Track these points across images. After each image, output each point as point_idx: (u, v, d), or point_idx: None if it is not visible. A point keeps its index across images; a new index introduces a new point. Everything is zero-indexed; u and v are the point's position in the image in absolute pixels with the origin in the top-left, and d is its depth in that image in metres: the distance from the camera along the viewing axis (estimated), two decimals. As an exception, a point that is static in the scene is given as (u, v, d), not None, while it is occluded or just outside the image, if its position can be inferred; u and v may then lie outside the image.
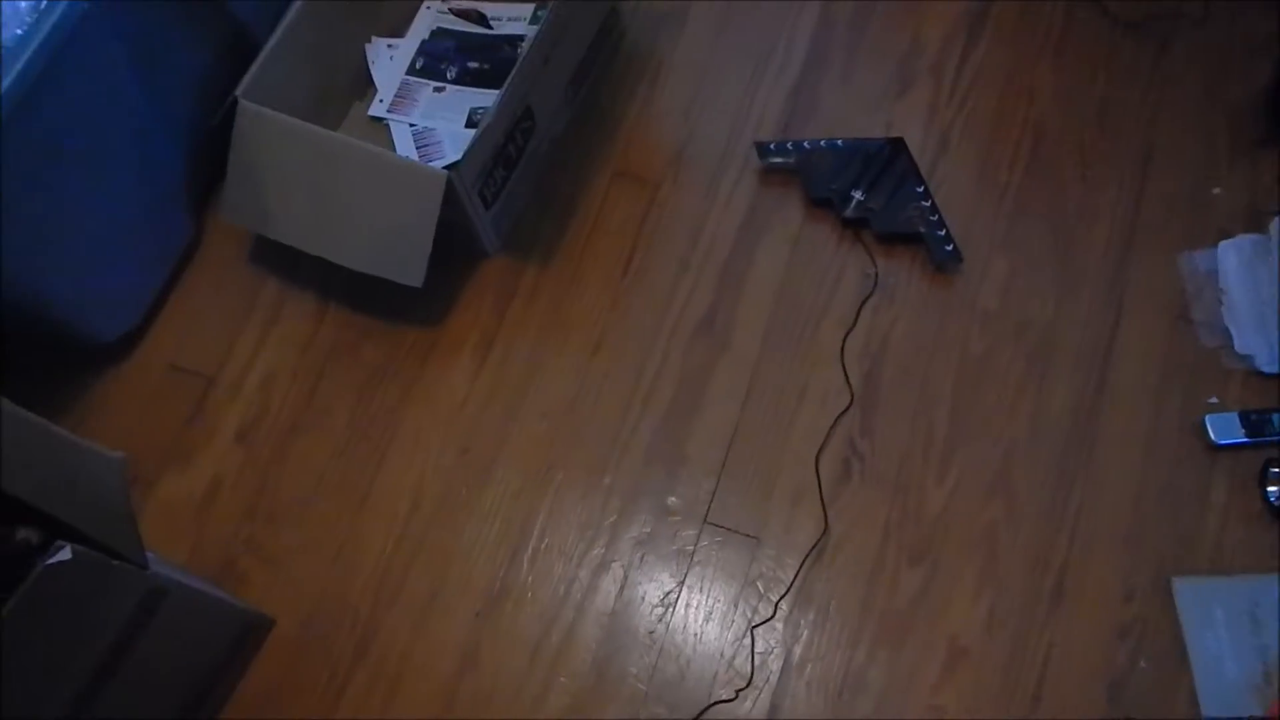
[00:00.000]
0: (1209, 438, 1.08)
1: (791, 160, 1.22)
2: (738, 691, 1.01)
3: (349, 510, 1.12)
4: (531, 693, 1.02)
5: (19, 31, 0.94)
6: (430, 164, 1.23)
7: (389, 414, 1.16)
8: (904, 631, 1.03)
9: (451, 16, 1.34)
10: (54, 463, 0.84)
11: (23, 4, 0.97)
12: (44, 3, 0.97)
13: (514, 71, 1.06)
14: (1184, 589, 1.03)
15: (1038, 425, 1.11)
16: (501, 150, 1.13)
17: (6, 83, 0.93)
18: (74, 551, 0.75)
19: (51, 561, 0.74)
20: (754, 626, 1.03)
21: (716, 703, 1.00)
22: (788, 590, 1.05)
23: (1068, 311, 1.16)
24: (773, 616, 1.04)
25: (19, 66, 0.93)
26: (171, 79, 1.16)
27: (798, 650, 1.02)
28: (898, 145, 1.21)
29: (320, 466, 1.14)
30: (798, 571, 1.05)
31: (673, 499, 1.09)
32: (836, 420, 1.10)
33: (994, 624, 1.03)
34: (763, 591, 1.05)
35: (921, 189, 1.19)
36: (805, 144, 1.23)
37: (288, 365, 1.19)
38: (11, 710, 0.80)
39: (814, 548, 1.06)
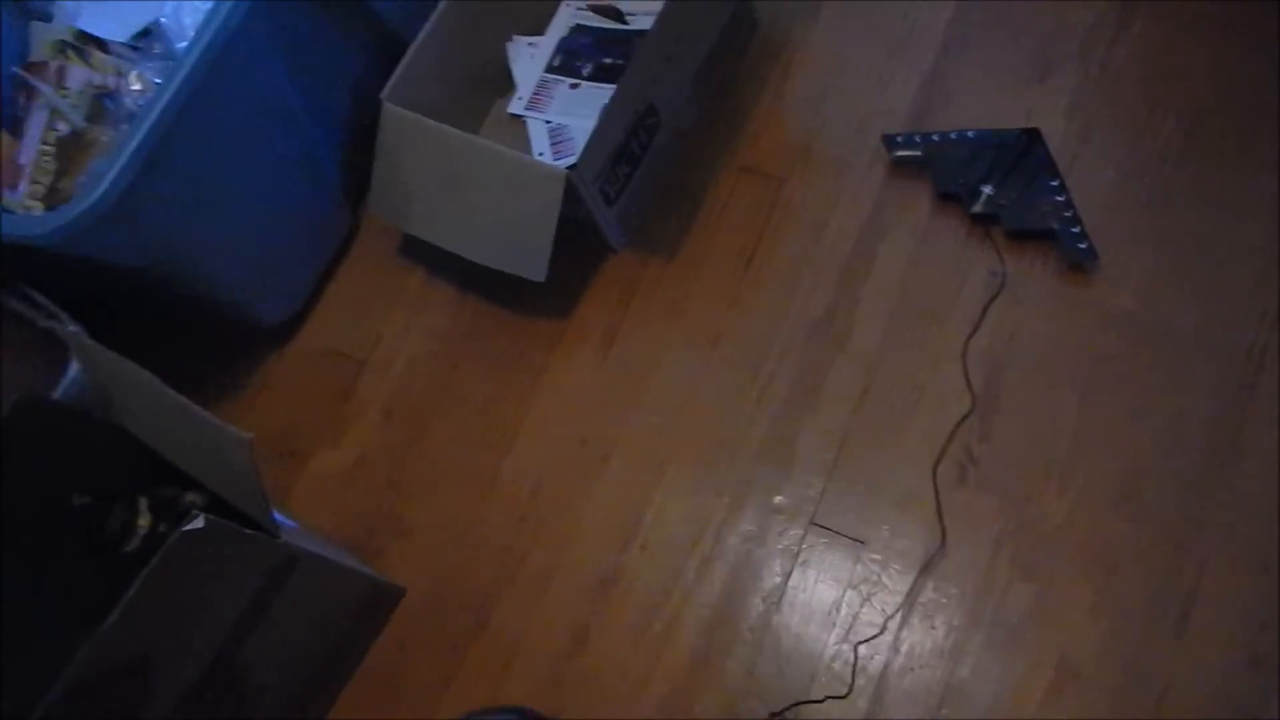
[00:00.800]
0: (1372, 458, 0.99)
1: (920, 153, 1.19)
2: (835, 697, 1.01)
3: (478, 490, 1.18)
4: (634, 677, 1.06)
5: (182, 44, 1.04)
6: (561, 160, 1.28)
7: (517, 400, 1.21)
8: (1012, 647, 1.00)
9: (589, 13, 1.37)
10: (197, 438, 0.94)
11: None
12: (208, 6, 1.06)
13: (627, 71, 1.09)
14: (1331, 621, 0.96)
15: (1173, 438, 1.05)
16: (623, 148, 1.16)
17: (179, 85, 1.03)
18: (206, 520, 0.84)
19: (187, 529, 0.83)
20: (857, 642, 1.03)
21: (807, 701, 1.01)
22: (896, 601, 1.04)
23: (1216, 315, 1.08)
24: (877, 627, 1.03)
25: (186, 70, 1.03)
26: (327, 81, 1.25)
27: (898, 660, 1.01)
28: (1033, 136, 1.16)
29: (454, 448, 1.21)
30: (911, 583, 1.04)
31: (780, 498, 1.10)
32: (957, 427, 1.08)
33: (1109, 648, 0.99)
34: (866, 597, 1.04)
35: (1056, 183, 1.14)
36: (934, 136, 1.19)
37: (429, 351, 1.27)
38: (159, 659, 0.90)
39: (929, 561, 1.04)
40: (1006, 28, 1.25)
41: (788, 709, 1.00)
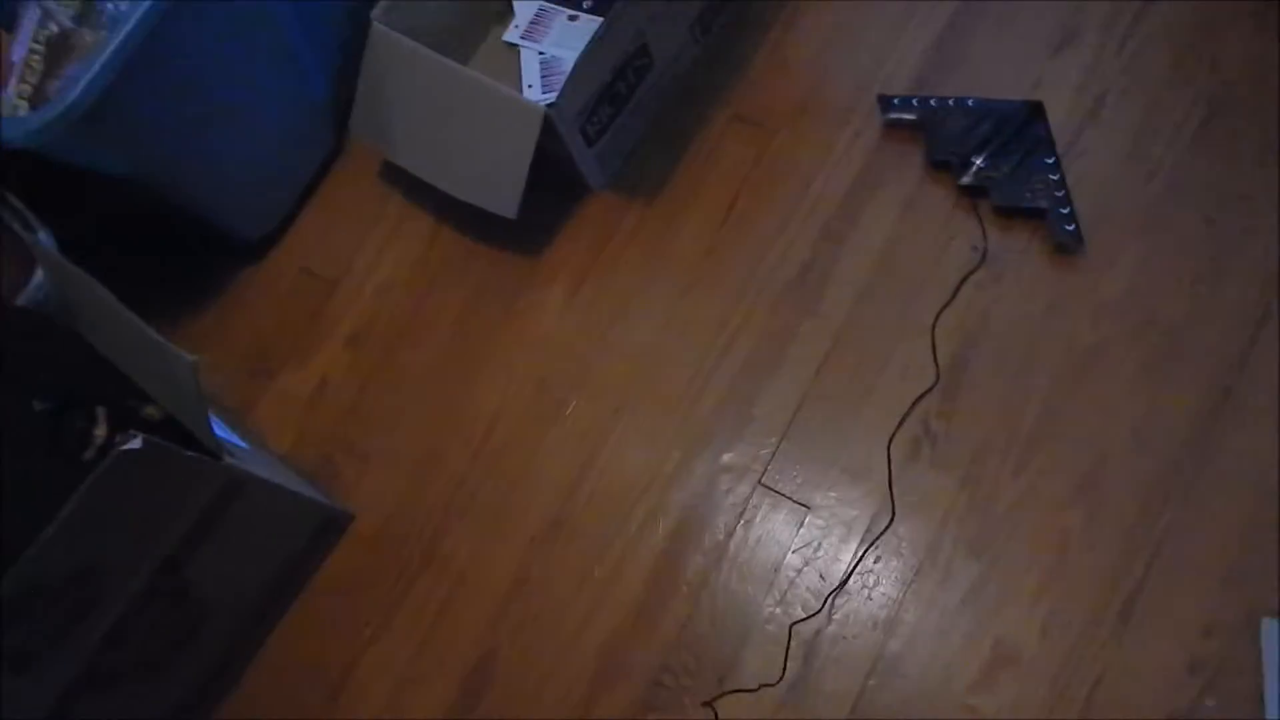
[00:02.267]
0: (1341, 472, 0.96)
1: (915, 117, 1.15)
2: (767, 684, 1.01)
3: (435, 423, 1.18)
4: (573, 622, 1.07)
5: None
6: (550, 95, 1.25)
7: (483, 337, 1.20)
8: (949, 625, 0.99)
9: (595, -57, 1.33)
10: (149, 356, 0.93)
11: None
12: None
13: (614, 9, 1.05)
14: (1273, 629, 0.94)
15: (1142, 433, 1.02)
16: (609, 88, 1.13)
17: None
18: (145, 441, 0.84)
19: (125, 448, 0.83)
20: (792, 623, 1.03)
21: (738, 690, 1.01)
22: (836, 570, 1.03)
23: (1203, 312, 1.05)
24: (813, 593, 1.03)
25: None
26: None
27: (830, 628, 1.01)
28: (1035, 109, 1.12)
29: (416, 378, 1.21)
30: (853, 552, 1.03)
31: (731, 455, 1.09)
32: (916, 401, 1.06)
33: (1049, 633, 0.98)
34: (806, 561, 1.04)
35: (1052, 160, 1.10)
36: (932, 101, 1.15)
37: (401, 278, 1.26)
38: (104, 569, 0.91)
39: (871, 532, 1.03)
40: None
41: (719, 696, 1.01)
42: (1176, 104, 1.13)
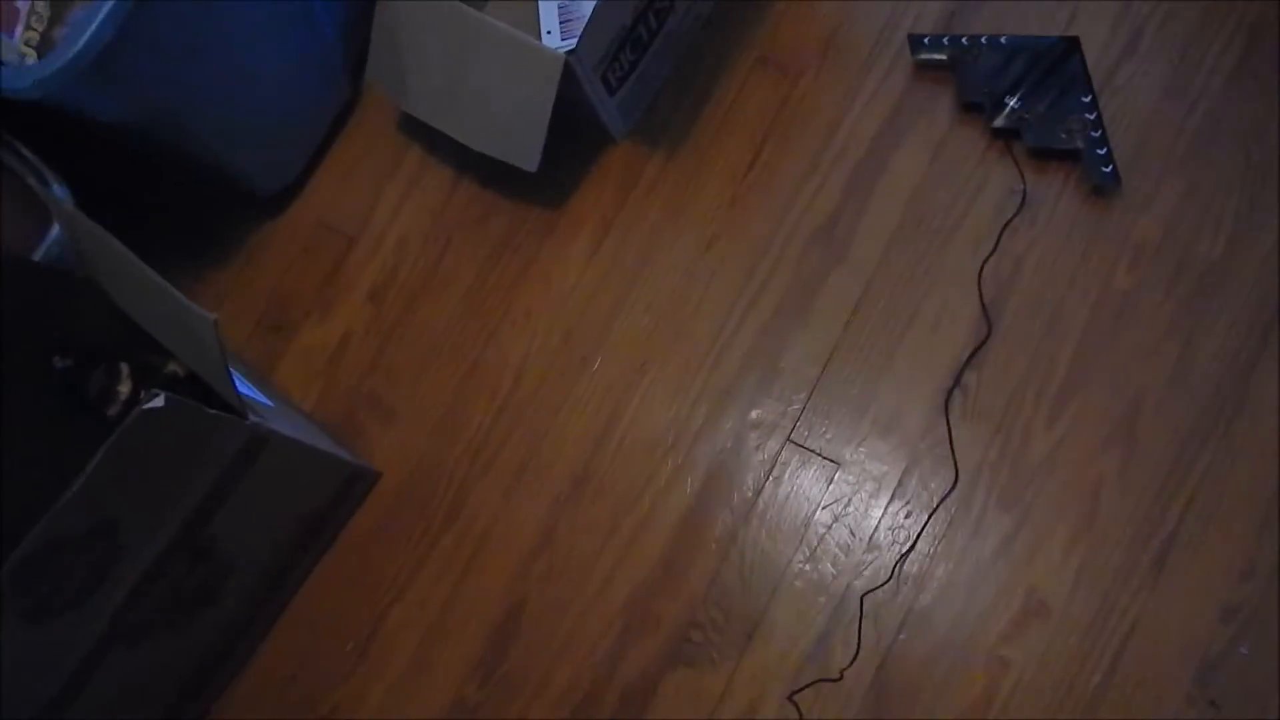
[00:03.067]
0: (1384, 416, 0.94)
1: (945, 57, 1.12)
2: (793, 615, 1.00)
3: (458, 377, 1.17)
4: (599, 577, 1.06)
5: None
6: (569, 42, 1.22)
7: (505, 290, 1.19)
8: (980, 578, 0.98)
9: (611, -119, 1.28)
10: (169, 314, 0.92)
11: None
12: None
13: (633, -48, 1.01)
14: (1313, 580, 0.93)
15: (1178, 377, 1.00)
16: (630, 32, 1.09)
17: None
18: (167, 399, 0.83)
19: (146, 407, 0.83)
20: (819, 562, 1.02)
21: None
22: (867, 525, 1.02)
23: (1242, 252, 1.02)
24: (843, 549, 1.02)
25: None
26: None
27: (859, 582, 1.00)
28: (1071, 45, 1.08)
29: (438, 332, 1.19)
30: (884, 507, 1.02)
31: (759, 411, 1.07)
32: (971, 356, 1.03)
33: (1081, 583, 0.97)
34: (836, 517, 1.03)
35: (1089, 98, 1.06)
36: (964, 39, 1.11)
37: (420, 231, 1.24)
38: (127, 527, 0.91)
39: (901, 485, 1.02)
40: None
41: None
42: (1216, 36, 1.09)
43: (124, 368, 1.07)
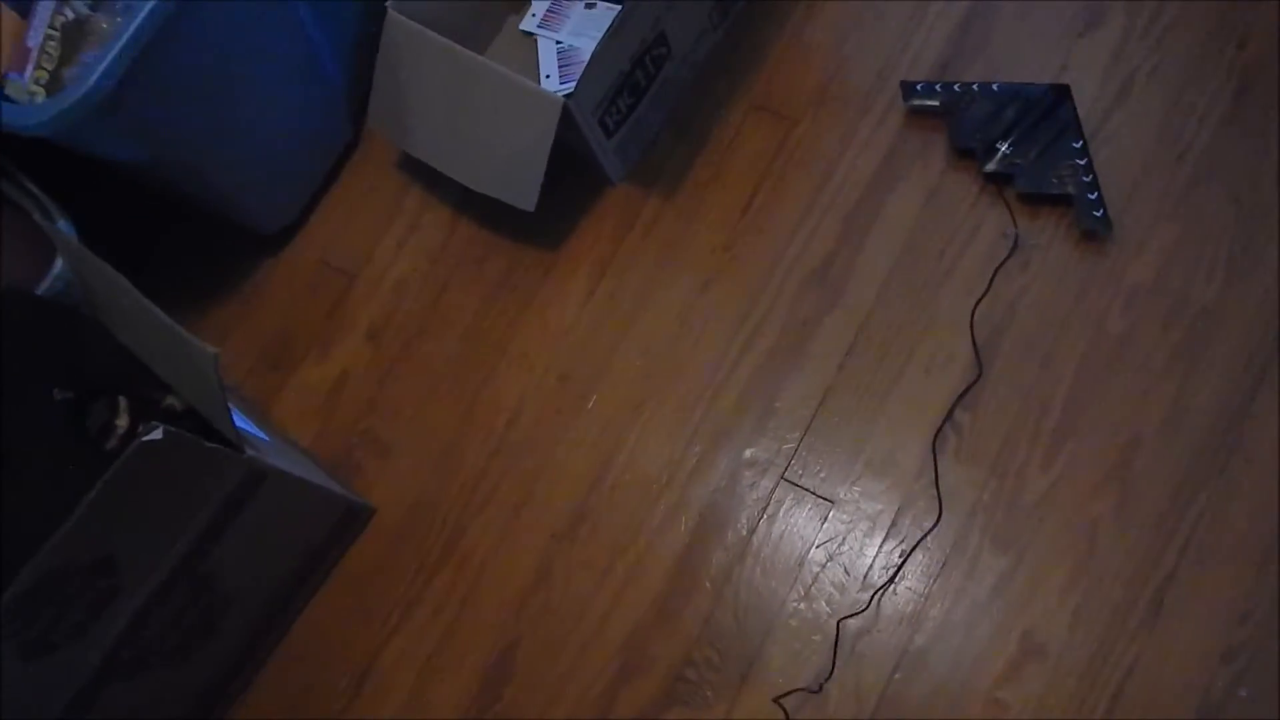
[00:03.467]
0: (1377, 459, 0.94)
1: (938, 103, 1.14)
2: (789, 654, 1.00)
3: (455, 416, 1.17)
4: (594, 616, 1.06)
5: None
6: (567, 85, 1.24)
7: (502, 329, 1.20)
8: (975, 620, 0.98)
9: (613, -69, 1.31)
10: (169, 348, 0.93)
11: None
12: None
13: (631, -1, 1.04)
14: (1309, 623, 0.92)
15: (1172, 420, 1.01)
16: (628, 77, 1.11)
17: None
18: (165, 432, 0.84)
19: (145, 439, 0.83)
20: (824, 603, 1.02)
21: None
22: (861, 564, 1.02)
23: (1236, 295, 1.03)
24: (838, 588, 1.01)
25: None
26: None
27: (855, 622, 1.00)
28: (1061, 93, 1.10)
29: (436, 371, 1.20)
30: (878, 546, 1.02)
31: (753, 450, 1.08)
32: (961, 396, 1.04)
33: (1078, 625, 0.96)
34: (830, 556, 1.03)
35: (1079, 144, 1.08)
36: (956, 86, 1.13)
37: (420, 271, 1.25)
38: (125, 560, 0.91)
39: (896, 525, 1.02)
40: (1051, -27, 1.18)
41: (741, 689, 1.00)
42: (1206, 84, 1.11)
43: (123, 401, 1.07)
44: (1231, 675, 0.93)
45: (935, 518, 1.01)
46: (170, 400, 1.09)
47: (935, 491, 1.02)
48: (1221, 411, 1.00)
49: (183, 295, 1.30)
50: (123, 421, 1.07)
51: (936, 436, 1.04)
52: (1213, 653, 0.94)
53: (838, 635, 1.00)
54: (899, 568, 1.01)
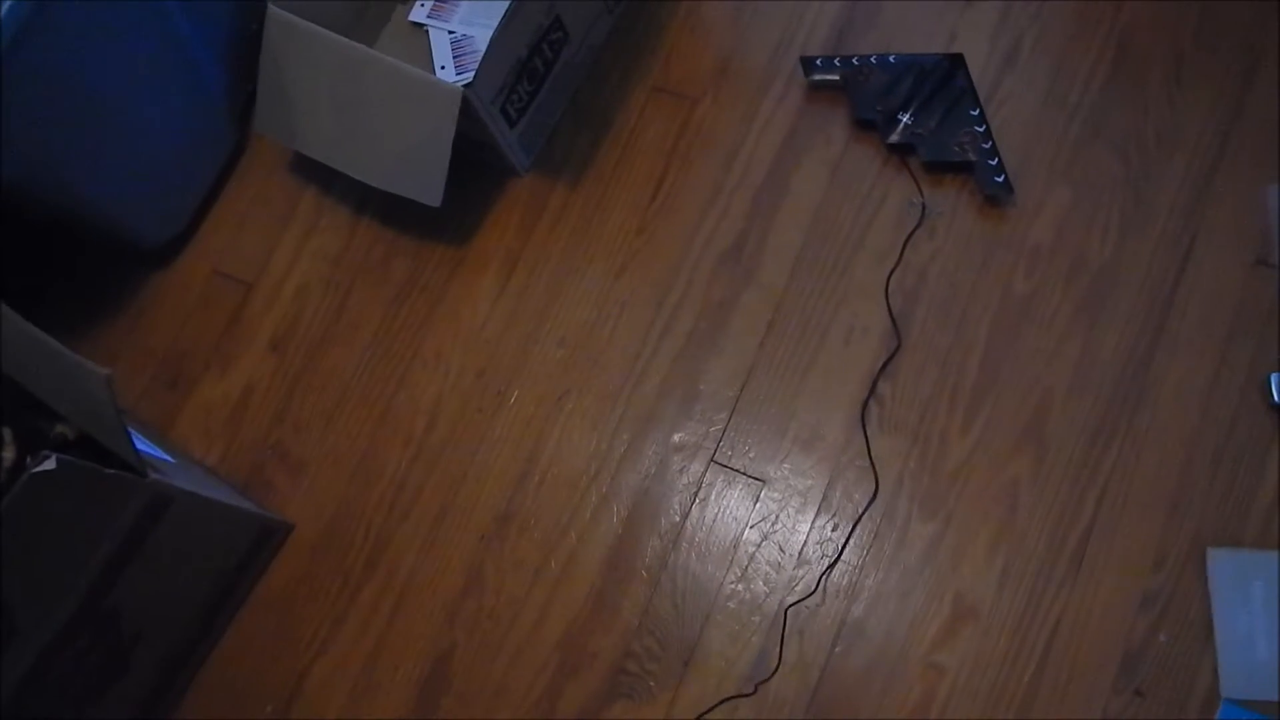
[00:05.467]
0: (1273, 398, 0.98)
1: (838, 77, 1.14)
2: (729, 637, 1.00)
3: (370, 424, 1.14)
4: (530, 616, 1.04)
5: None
6: (464, 76, 1.21)
7: (413, 331, 1.16)
8: (908, 586, 0.99)
9: (497, -84, 1.28)
10: (59, 372, 0.87)
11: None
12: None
13: (525, -18, 1.01)
14: (1221, 560, 0.96)
15: (1080, 374, 1.03)
16: (525, 64, 1.09)
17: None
18: (59, 460, 0.78)
19: (36, 470, 0.78)
20: (753, 576, 1.01)
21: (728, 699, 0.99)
22: (795, 541, 1.02)
23: (1130, 251, 1.06)
24: (773, 566, 1.01)
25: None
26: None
27: (790, 598, 1.00)
28: (955, 62, 1.12)
29: (345, 379, 1.16)
30: (810, 522, 1.02)
31: (681, 435, 1.07)
32: (884, 367, 1.05)
33: (1006, 584, 0.98)
34: (764, 535, 1.03)
35: (976, 111, 1.10)
36: (854, 60, 1.14)
37: (321, 276, 1.21)
38: (25, 599, 0.86)
39: (826, 500, 1.02)
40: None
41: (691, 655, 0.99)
42: (1088, 46, 1.14)
43: (6, 433, 1.01)
44: (1151, 621, 0.96)
45: (871, 490, 1.02)
46: (61, 429, 1.03)
47: (869, 463, 1.02)
48: (1125, 364, 1.03)
49: (68, 318, 1.22)
50: (9, 454, 1.00)
51: (865, 411, 1.04)
52: (1132, 601, 0.97)
53: (776, 614, 0.99)
54: (836, 543, 1.01)
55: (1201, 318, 1.03)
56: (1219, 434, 1.00)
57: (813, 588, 1.00)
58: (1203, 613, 0.95)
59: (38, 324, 0.85)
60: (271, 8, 1.10)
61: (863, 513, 1.01)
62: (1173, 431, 1.01)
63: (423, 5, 1.28)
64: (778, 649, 0.98)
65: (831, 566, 1.01)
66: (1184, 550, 0.97)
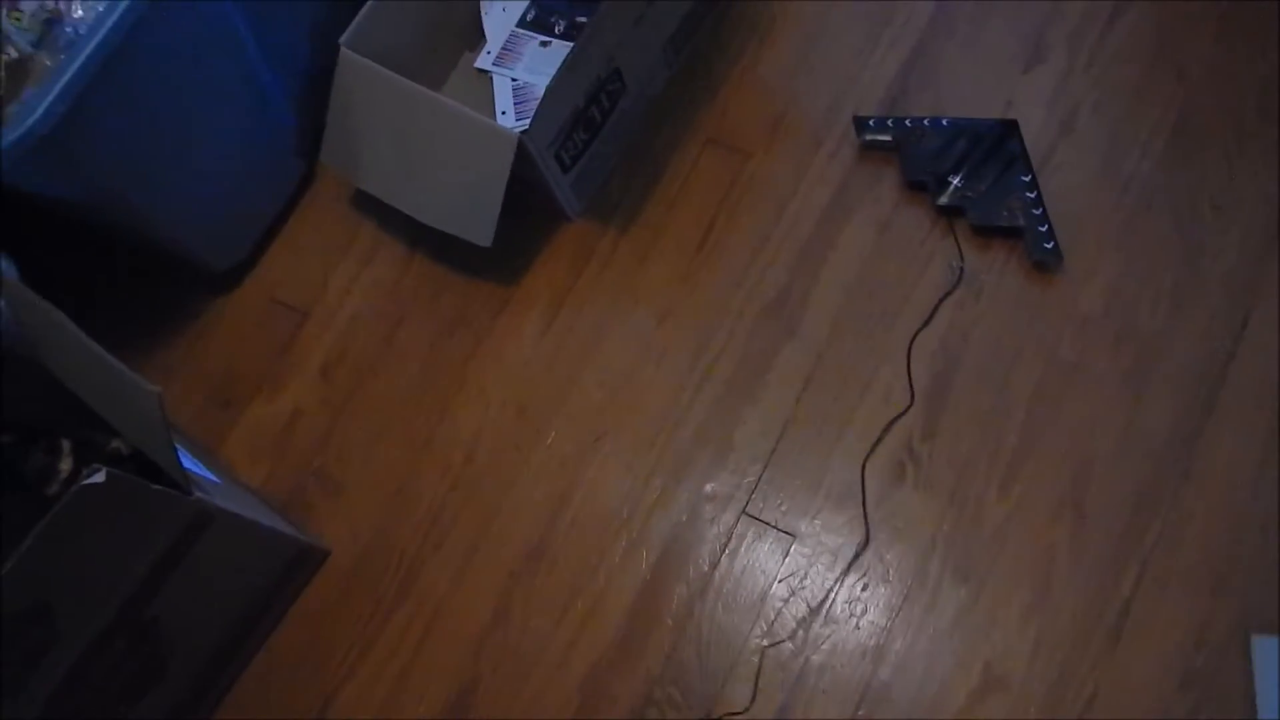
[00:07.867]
0: (1326, 482, 0.96)
1: (890, 138, 1.15)
2: (734, 713, 0.98)
3: (411, 454, 1.16)
4: (554, 655, 1.04)
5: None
6: (524, 121, 1.24)
7: (458, 365, 1.18)
8: (937, 651, 0.98)
9: (567, -32, 1.32)
10: (113, 388, 0.91)
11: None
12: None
13: (584, 33, 1.04)
14: (1265, 649, 0.93)
15: (1124, 446, 1.02)
16: (582, 113, 1.12)
17: (121, 13, 0.98)
18: (108, 475, 0.81)
19: (86, 483, 0.80)
20: (767, 645, 1.01)
21: (726, 715, 0.99)
22: (821, 598, 1.01)
23: (1183, 322, 1.05)
24: (800, 623, 1.01)
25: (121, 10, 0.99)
26: (283, 20, 1.20)
27: (817, 658, 0.99)
28: (1009, 127, 1.12)
29: (390, 408, 1.18)
30: (837, 579, 1.01)
31: (713, 485, 1.07)
32: (891, 423, 1.05)
33: (1039, 654, 0.96)
34: (793, 591, 1.02)
35: (1028, 177, 1.10)
36: (907, 121, 1.15)
37: (373, 307, 1.24)
38: (64, 607, 0.88)
39: (854, 559, 1.02)
40: (996, 13, 1.21)
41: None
42: (1146, 115, 1.13)
43: (65, 444, 1.05)
44: (1190, 703, 0.93)
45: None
46: (116, 443, 1.06)
47: (864, 518, 1.02)
48: (1172, 436, 1.01)
49: (128, 335, 1.27)
50: (65, 465, 1.04)
51: (865, 462, 1.04)
52: (1171, 680, 0.94)
53: (801, 671, 0.99)
54: (865, 603, 1.00)
55: (1256, 394, 1.01)
56: (1268, 515, 0.97)
57: (839, 647, 0.99)
58: (1246, 696, 0.92)
59: (101, 341, 0.88)
60: (345, 51, 1.14)
61: (854, 564, 1.00)
62: (1220, 509, 0.98)
63: (489, 52, 1.31)
64: (799, 708, 0.97)
65: (859, 626, 0.99)
66: (1229, 630, 0.95)
